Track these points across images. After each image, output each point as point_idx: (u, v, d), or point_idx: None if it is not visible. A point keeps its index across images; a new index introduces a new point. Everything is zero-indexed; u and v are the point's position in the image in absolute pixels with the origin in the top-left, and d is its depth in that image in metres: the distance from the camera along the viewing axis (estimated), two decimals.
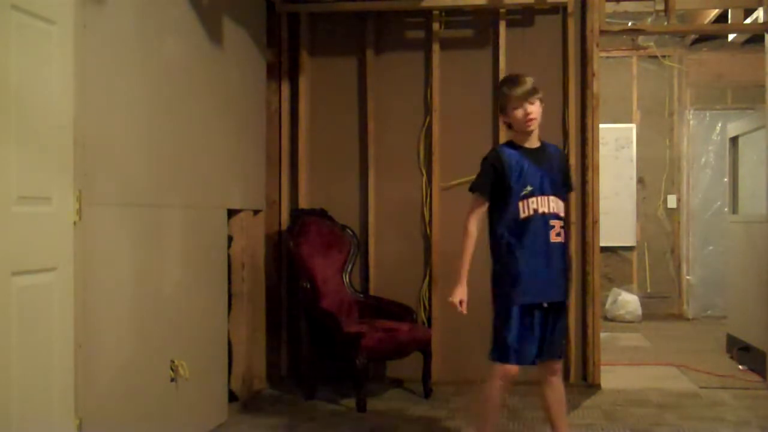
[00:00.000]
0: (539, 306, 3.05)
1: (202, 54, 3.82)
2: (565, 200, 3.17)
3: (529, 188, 3.02)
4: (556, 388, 3.19)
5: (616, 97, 7.75)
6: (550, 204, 3.05)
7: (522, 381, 4.77)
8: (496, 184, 3.05)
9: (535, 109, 3.04)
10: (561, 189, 3.14)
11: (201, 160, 3.78)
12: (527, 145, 3.10)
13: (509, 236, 3.04)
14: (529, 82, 3.07)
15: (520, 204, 3.02)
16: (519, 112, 3.04)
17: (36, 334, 2.46)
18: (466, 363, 4.87)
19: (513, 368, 3.05)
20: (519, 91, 3.05)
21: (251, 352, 4.58)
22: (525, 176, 3.03)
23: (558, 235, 3.07)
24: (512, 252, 3.04)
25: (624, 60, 7.92)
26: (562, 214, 3.10)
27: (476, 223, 3.11)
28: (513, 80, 3.12)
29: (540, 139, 3.14)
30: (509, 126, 3.13)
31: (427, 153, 4.96)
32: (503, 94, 3.09)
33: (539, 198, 3.03)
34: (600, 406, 4.35)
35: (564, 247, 3.13)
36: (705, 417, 4.11)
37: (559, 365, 3.20)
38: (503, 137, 4.81)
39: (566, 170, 3.28)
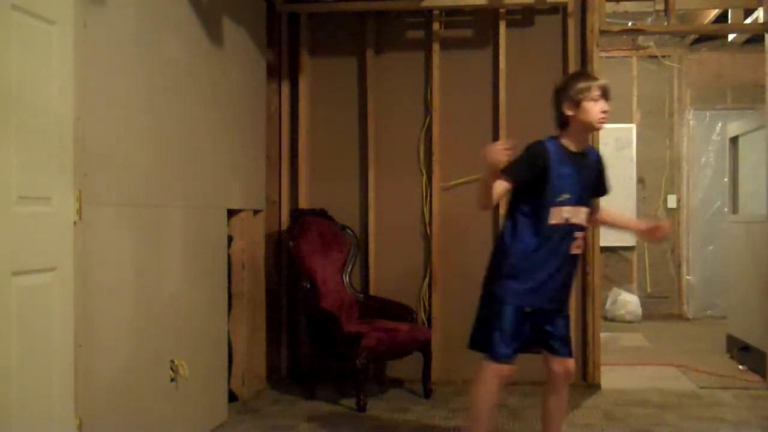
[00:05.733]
0: (535, 309, 2.96)
1: (202, 54, 3.82)
2: (590, 208, 3.02)
3: (566, 196, 2.87)
4: (563, 396, 3.09)
5: (616, 97, 7.66)
6: (581, 215, 2.93)
7: (522, 381, 4.80)
8: (532, 180, 2.86)
9: (608, 109, 2.90)
10: (591, 198, 3.02)
11: (201, 160, 3.78)
12: (575, 148, 2.93)
13: (530, 238, 2.90)
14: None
15: (553, 210, 2.87)
16: (596, 106, 2.87)
17: (36, 334, 2.46)
18: (466, 363, 4.84)
19: (506, 367, 2.95)
20: (601, 83, 2.90)
21: (251, 352, 4.58)
22: (565, 182, 2.87)
23: (578, 246, 2.97)
24: (528, 255, 2.90)
25: (624, 60, 7.92)
26: (585, 225, 2.99)
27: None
28: (587, 74, 2.94)
29: (585, 145, 2.99)
30: (564, 123, 2.93)
31: (427, 153, 4.96)
32: (577, 85, 2.89)
33: (573, 208, 2.89)
34: (600, 406, 4.35)
35: (578, 258, 3.03)
36: (705, 417, 4.11)
37: (572, 365, 3.05)
38: (503, 138, 4.81)
39: (604, 175, 3.09)
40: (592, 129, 2.96)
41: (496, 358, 2.94)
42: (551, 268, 2.93)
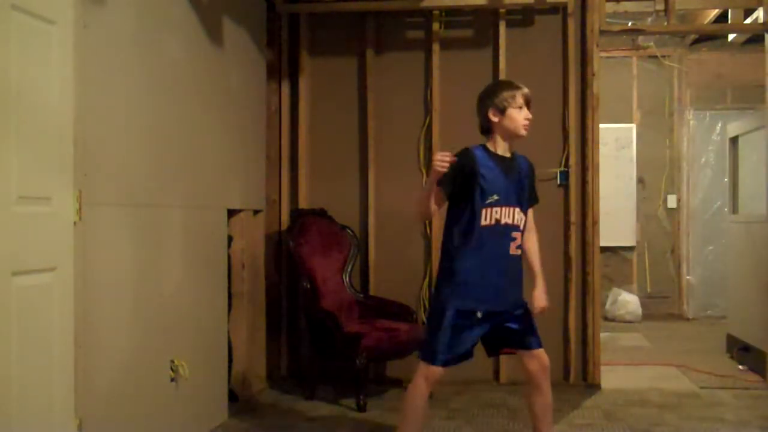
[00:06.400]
0: (486, 313, 2.99)
1: (202, 54, 3.82)
2: (526, 213, 3.10)
3: (495, 197, 2.94)
4: (546, 393, 3.09)
5: (616, 97, 7.75)
6: (514, 215, 3.00)
7: (523, 381, 4.79)
8: (461, 185, 2.94)
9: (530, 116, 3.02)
10: (525, 202, 3.08)
11: (201, 160, 3.78)
12: (501, 152, 3.03)
13: (464, 241, 2.97)
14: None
15: (484, 211, 2.94)
16: (520, 113, 2.99)
17: (36, 334, 2.46)
18: (465, 363, 4.86)
19: (438, 370, 3.02)
20: (525, 92, 3.01)
21: (251, 352, 4.58)
22: (493, 184, 2.95)
23: (518, 248, 3.03)
24: (464, 257, 2.97)
25: (624, 60, 7.92)
26: (522, 227, 3.04)
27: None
28: (513, 83, 3.07)
29: (511, 150, 3.08)
30: (489, 129, 3.04)
31: (427, 153, 4.96)
32: (502, 93, 3.01)
33: (504, 208, 2.96)
34: (600, 406, 4.35)
35: (521, 259, 3.08)
36: (705, 417, 4.11)
37: (545, 358, 3.07)
38: None
39: (533, 183, 3.18)
40: (515, 135, 3.03)
41: (432, 361, 3.00)
42: (493, 270, 2.98)
